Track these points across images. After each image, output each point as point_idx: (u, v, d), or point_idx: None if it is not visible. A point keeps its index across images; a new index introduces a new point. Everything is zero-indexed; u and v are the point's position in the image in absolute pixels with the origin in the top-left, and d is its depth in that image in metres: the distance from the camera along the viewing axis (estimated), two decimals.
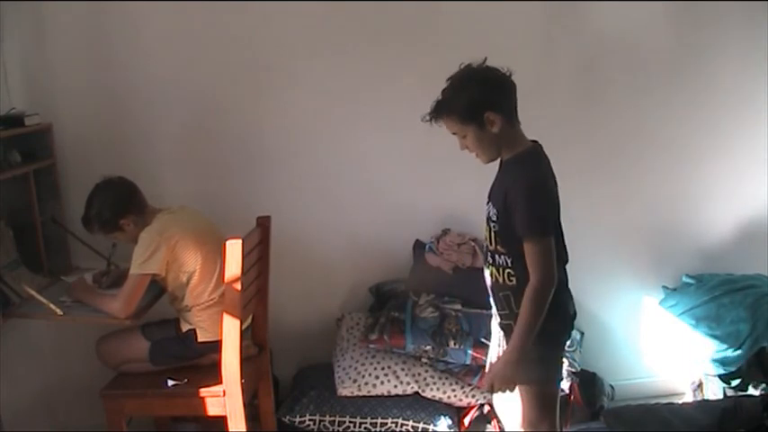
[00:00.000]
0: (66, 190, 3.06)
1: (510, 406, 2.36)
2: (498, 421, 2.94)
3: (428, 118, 2.11)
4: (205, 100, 3.15)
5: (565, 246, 2.19)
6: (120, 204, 2.69)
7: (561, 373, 2.32)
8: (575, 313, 2.26)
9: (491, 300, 2.27)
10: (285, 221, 2.99)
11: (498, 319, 2.25)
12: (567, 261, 2.19)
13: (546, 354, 2.15)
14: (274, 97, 3.16)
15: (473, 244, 3.21)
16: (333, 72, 3.16)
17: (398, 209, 3.29)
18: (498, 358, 2.20)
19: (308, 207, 3.25)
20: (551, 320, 2.08)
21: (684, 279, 3.37)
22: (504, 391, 2.13)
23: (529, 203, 2.03)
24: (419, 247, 3.28)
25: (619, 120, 3.32)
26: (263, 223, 2.83)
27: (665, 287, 3.40)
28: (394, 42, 3.16)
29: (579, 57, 3.23)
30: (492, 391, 2.14)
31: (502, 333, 2.24)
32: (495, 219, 2.13)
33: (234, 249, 2.45)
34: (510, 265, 2.12)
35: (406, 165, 3.26)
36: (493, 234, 2.15)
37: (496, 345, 2.31)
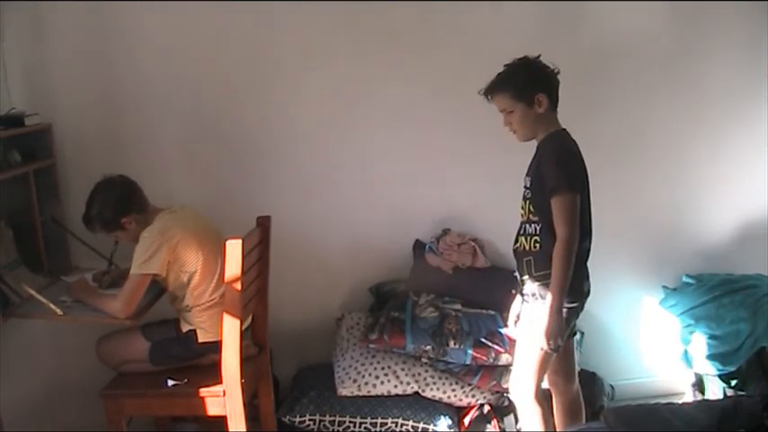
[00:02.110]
0: (66, 190, 3.06)
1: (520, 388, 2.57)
2: (499, 421, 2.94)
3: (484, 92, 2.38)
4: (205, 100, 3.14)
5: (591, 222, 2.44)
6: (122, 203, 2.69)
7: (561, 344, 2.43)
8: (588, 291, 2.47)
9: (518, 271, 2.48)
10: (285, 221, 2.99)
11: (521, 287, 2.48)
12: (590, 244, 2.44)
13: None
14: (275, 97, 3.16)
15: (473, 244, 3.21)
16: (333, 72, 3.17)
17: (399, 209, 3.29)
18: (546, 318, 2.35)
19: (308, 207, 3.25)
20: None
21: (684, 279, 3.37)
22: (561, 343, 2.35)
23: (558, 164, 2.31)
24: (419, 247, 3.28)
25: (619, 120, 3.32)
26: (263, 223, 2.83)
27: (665, 287, 3.40)
28: (394, 43, 3.16)
29: (579, 57, 3.22)
30: (552, 348, 2.34)
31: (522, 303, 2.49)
32: (529, 186, 2.41)
33: (234, 249, 2.45)
34: (537, 232, 2.38)
35: (406, 165, 3.26)
36: (527, 203, 2.41)
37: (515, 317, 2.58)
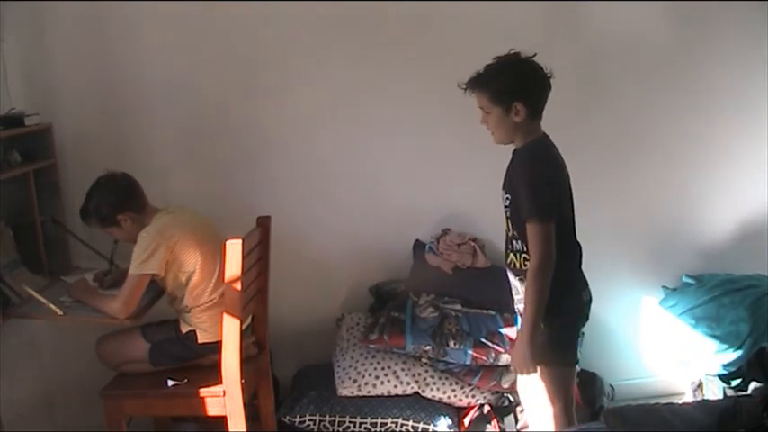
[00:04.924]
0: (66, 190, 3.06)
1: (531, 391, 2.46)
2: (499, 421, 2.94)
3: (464, 87, 2.24)
4: (205, 100, 3.15)
5: (575, 232, 2.33)
6: (120, 200, 2.69)
7: (575, 356, 2.38)
8: (590, 299, 2.38)
9: (512, 287, 2.38)
10: (285, 221, 2.99)
11: (516, 305, 2.38)
12: (581, 251, 2.35)
13: (558, 337, 2.27)
14: (275, 97, 3.17)
15: (473, 244, 3.21)
16: (333, 72, 3.17)
17: (398, 209, 3.29)
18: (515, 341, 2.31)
19: (308, 207, 3.25)
20: (564, 305, 2.25)
21: (684, 279, 3.37)
22: (528, 372, 2.23)
23: (531, 188, 2.18)
24: (419, 247, 3.28)
25: (619, 120, 3.32)
26: (263, 223, 2.83)
27: (665, 287, 3.40)
28: (394, 43, 3.16)
29: (579, 57, 3.23)
30: (518, 372, 2.27)
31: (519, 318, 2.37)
32: (507, 204, 2.28)
33: (234, 249, 2.45)
34: (525, 249, 2.25)
35: (406, 165, 3.27)
36: (508, 220, 2.30)
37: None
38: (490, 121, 2.25)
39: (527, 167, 2.22)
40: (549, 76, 2.22)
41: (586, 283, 2.37)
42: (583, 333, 3.19)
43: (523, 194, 2.18)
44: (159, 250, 2.60)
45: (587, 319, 2.40)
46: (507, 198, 2.28)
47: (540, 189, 2.18)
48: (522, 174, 2.22)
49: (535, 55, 2.22)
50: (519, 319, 2.39)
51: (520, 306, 2.35)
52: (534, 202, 2.17)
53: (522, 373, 2.25)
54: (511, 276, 2.37)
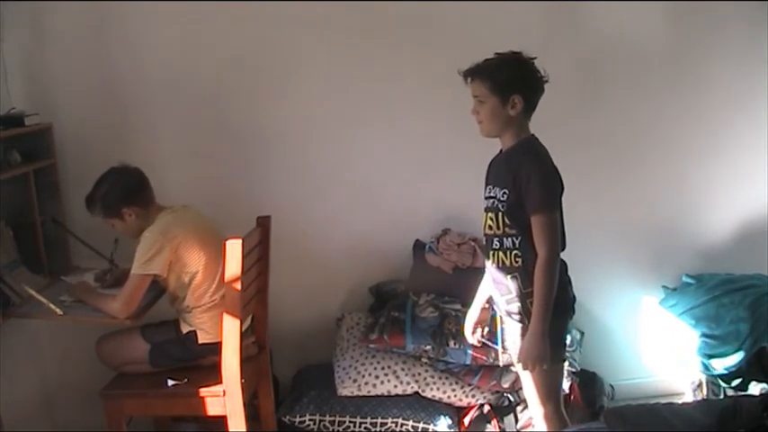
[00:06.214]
0: (66, 190, 3.06)
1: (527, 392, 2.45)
2: (499, 421, 2.94)
3: (464, 73, 2.26)
4: (205, 100, 3.15)
5: (564, 233, 2.30)
6: (128, 192, 2.69)
7: (564, 353, 2.38)
8: (574, 297, 2.37)
9: (493, 287, 2.37)
10: (285, 221, 2.99)
11: (504, 306, 2.34)
12: (564, 248, 2.31)
13: (550, 335, 2.23)
14: (274, 97, 3.17)
15: (473, 244, 3.21)
16: (334, 72, 3.17)
17: (398, 209, 3.29)
18: (524, 337, 2.27)
19: (308, 207, 3.25)
20: (556, 302, 2.21)
21: (684, 279, 3.37)
22: (540, 366, 2.23)
23: (540, 180, 2.20)
24: (419, 247, 3.28)
25: (619, 120, 3.32)
26: (263, 223, 2.83)
27: (665, 287, 3.40)
28: (394, 42, 3.16)
29: (579, 57, 3.23)
30: (528, 369, 2.26)
31: (507, 319, 2.35)
32: (503, 199, 2.26)
33: (234, 249, 2.45)
34: (517, 246, 2.25)
35: (407, 165, 3.27)
36: (500, 216, 2.27)
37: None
38: (483, 111, 2.25)
39: (533, 161, 2.23)
40: (545, 80, 2.26)
41: (570, 281, 2.37)
42: (582, 333, 3.22)
43: (532, 188, 2.19)
44: (163, 251, 2.60)
45: (573, 313, 2.41)
46: (504, 193, 2.25)
47: (548, 182, 2.22)
48: (528, 167, 2.22)
49: (535, 58, 2.26)
50: (509, 320, 2.35)
51: (509, 307, 2.31)
52: (543, 194, 2.19)
53: (533, 369, 2.24)
54: (499, 276, 2.32)
